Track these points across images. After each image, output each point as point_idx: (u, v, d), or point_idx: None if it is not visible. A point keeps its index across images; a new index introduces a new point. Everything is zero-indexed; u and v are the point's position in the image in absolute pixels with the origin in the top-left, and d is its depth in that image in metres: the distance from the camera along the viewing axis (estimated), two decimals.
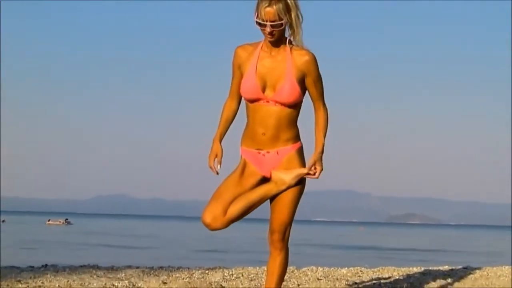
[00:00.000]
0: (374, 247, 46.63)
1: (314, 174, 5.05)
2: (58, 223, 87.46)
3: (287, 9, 4.80)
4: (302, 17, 4.89)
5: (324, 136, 5.15)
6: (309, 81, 5.01)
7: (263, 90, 4.94)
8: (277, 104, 4.94)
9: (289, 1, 4.82)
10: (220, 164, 5.16)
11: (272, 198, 5.10)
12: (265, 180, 5.11)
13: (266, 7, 4.78)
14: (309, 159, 5.11)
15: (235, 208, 4.97)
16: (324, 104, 5.16)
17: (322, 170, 5.09)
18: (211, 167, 5.15)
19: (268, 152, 5.06)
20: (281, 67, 4.93)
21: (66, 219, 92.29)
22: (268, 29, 4.81)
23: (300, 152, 5.13)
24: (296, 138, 5.11)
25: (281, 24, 4.80)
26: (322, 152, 5.12)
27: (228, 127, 5.29)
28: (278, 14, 4.77)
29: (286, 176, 5.03)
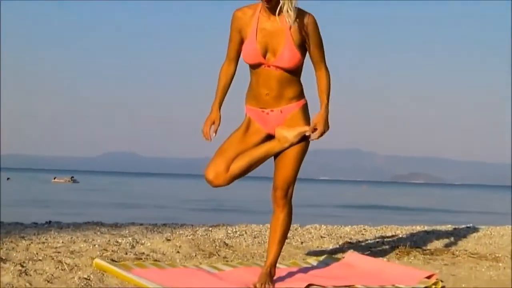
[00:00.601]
0: (377, 206, 46.71)
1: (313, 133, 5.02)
2: (63, 181, 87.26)
3: None
4: None
5: (327, 97, 5.11)
6: (309, 44, 4.95)
7: (264, 55, 4.91)
8: (278, 69, 4.90)
9: None
10: (216, 132, 5.12)
11: (276, 155, 5.08)
12: (269, 138, 5.09)
13: None
14: (313, 118, 5.08)
15: (238, 165, 4.94)
16: (325, 66, 5.12)
17: (325, 131, 5.04)
18: (204, 133, 5.10)
19: (272, 111, 5.03)
20: (281, 32, 4.87)
21: (72, 177, 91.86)
22: None
23: (305, 109, 5.10)
24: (300, 95, 5.07)
25: None
26: (327, 112, 5.08)
27: (226, 92, 5.25)
28: None
29: (289, 133, 5.00)
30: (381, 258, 6.69)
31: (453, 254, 7.30)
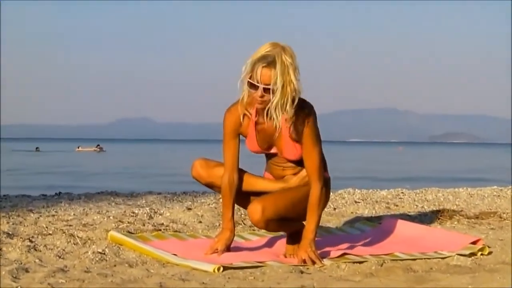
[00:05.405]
0: (415, 168, 46.57)
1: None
2: (89, 149, 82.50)
3: (282, 75, 4.59)
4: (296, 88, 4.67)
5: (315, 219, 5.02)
6: (304, 143, 4.94)
7: (269, 149, 5.00)
8: (287, 161, 5.03)
9: (287, 67, 4.58)
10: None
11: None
12: None
13: (264, 66, 4.60)
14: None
15: None
16: (319, 177, 4.99)
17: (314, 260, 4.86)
18: (214, 250, 5.01)
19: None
20: (278, 130, 4.85)
21: (98, 145, 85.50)
22: (259, 93, 4.65)
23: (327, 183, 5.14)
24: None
25: (273, 90, 4.62)
26: (313, 239, 4.97)
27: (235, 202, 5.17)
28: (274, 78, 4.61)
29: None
30: (421, 223, 6.63)
31: (500, 217, 7.23)
